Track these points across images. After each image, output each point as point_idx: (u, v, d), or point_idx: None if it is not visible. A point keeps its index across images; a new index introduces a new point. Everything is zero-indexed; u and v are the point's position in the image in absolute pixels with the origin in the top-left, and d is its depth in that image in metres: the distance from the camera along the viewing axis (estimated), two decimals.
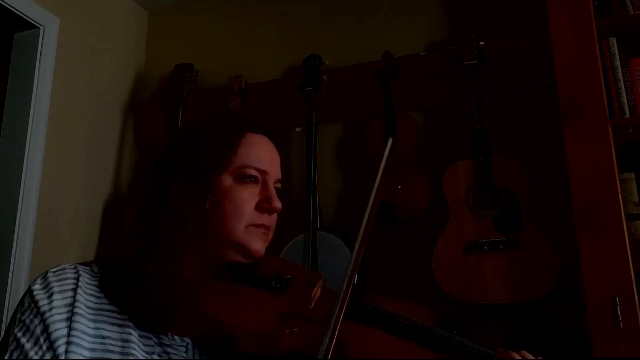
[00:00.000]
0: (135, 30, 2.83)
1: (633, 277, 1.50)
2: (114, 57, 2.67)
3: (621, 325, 1.47)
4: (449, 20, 2.35)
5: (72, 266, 0.81)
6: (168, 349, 0.77)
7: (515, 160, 1.96)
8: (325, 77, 2.28)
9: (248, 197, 0.85)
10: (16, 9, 2.13)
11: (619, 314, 1.48)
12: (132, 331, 0.76)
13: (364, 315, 0.80)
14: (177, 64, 2.53)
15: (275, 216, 0.89)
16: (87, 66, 2.49)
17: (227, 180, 0.84)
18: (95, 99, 2.51)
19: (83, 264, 0.83)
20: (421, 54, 2.30)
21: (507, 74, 2.14)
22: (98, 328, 0.75)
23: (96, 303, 0.77)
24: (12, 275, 2.04)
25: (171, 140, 0.94)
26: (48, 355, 0.70)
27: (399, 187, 2.06)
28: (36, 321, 0.72)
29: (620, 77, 1.71)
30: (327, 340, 0.65)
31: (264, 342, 0.74)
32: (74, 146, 2.39)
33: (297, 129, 2.35)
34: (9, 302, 2.01)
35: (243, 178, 0.85)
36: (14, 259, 2.05)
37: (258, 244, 0.85)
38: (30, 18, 2.19)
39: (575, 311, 1.66)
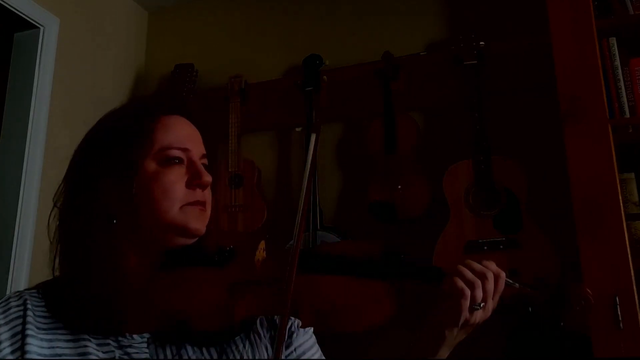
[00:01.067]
0: (135, 30, 2.83)
1: (633, 277, 1.50)
2: (114, 57, 2.67)
3: (621, 325, 1.47)
4: (449, 20, 2.35)
5: (16, 294, 0.80)
6: (128, 349, 0.76)
7: (515, 160, 1.95)
8: (325, 77, 2.29)
9: (176, 178, 0.83)
10: (16, 9, 2.13)
11: (619, 314, 1.48)
12: (88, 343, 0.75)
13: (314, 264, 0.81)
14: (177, 64, 2.53)
15: (209, 191, 0.87)
16: (87, 66, 2.49)
17: (151, 166, 0.83)
18: (95, 99, 2.51)
19: (29, 288, 0.82)
20: (421, 54, 2.30)
21: (507, 73, 2.14)
22: (53, 347, 0.74)
23: (47, 323, 0.77)
24: (12, 275, 2.04)
25: (85, 137, 0.91)
26: None
27: (399, 187, 2.06)
28: None
29: (620, 77, 1.71)
30: (285, 298, 0.67)
31: (218, 318, 0.75)
32: (74, 146, 2.37)
33: (297, 129, 2.35)
34: None
35: (166, 160, 0.83)
36: (14, 259, 2.05)
37: (197, 222, 0.83)
38: (30, 18, 2.20)
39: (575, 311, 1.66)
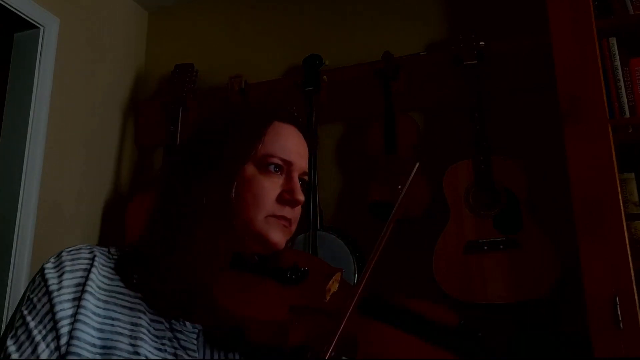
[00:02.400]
0: (135, 30, 2.84)
1: (633, 277, 1.50)
2: (114, 57, 2.67)
3: (621, 325, 1.47)
4: (449, 20, 2.35)
5: (89, 247, 0.80)
6: (178, 335, 0.76)
7: (515, 160, 1.96)
8: (325, 77, 2.29)
9: (270, 187, 0.83)
10: (16, 9, 2.13)
11: (619, 314, 1.48)
12: (142, 315, 0.75)
13: (384, 312, 0.77)
14: (177, 64, 2.53)
15: (298, 209, 0.86)
16: (87, 66, 2.49)
17: (250, 169, 0.83)
18: (95, 99, 2.51)
19: (105, 247, 0.82)
20: (421, 54, 2.30)
21: (507, 73, 2.14)
22: (108, 309, 0.74)
23: (109, 285, 0.76)
24: (12, 275, 2.04)
25: (198, 128, 0.91)
26: (51, 336, 0.70)
27: (399, 187, 2.06)
28: (44, 300, 0.72)
29: (620, 77, 1.71)
30: (334, 334, 0.63)
31: (273, 333, 0.72)
32: (74, 146, 2.39)
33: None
34: (9, 302, 2.01)
35: (266, 167, 0.83)
36: (14, 259, 2.06)
37: (277, 236, 0.83)
38: (30, 18, 2.20)
39: (575, 311, 1.66)
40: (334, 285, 0.81)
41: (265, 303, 0.76)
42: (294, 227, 0.87)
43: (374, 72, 2.25)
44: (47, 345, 0.69)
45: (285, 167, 0.85)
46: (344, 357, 0.78)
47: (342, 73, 2.36)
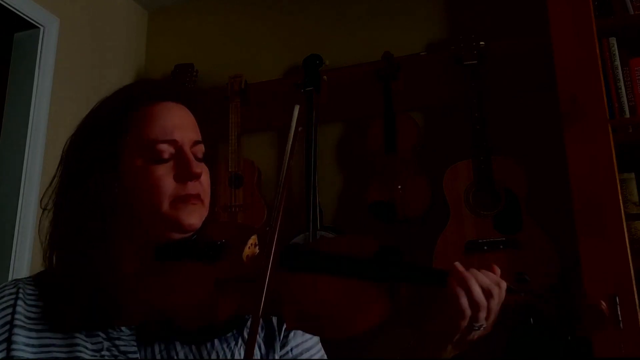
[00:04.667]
0: (136, 30, 2.83)
1: (633, 277, 1.50)
2: (114, 57, 2.67)
3: (621, 325, 1.47)
4: (449, 20, 2.35)
5: (12, 282, 0.80)
6: (116, 341, 0.75)
7: (515, 160, 1.95)
8: (325, 77, 2.29)
9: (163, 172, 0.79)
10: (16, 9, 2.13)
11: (619, 314, 1.48)
12: (77, 334, 0.74)
13: (300, 261, 0.76)
14: (177, 64, 2.53)
15: (205, 181, 0.83)
16: (87, 66, 2.49)
17: (138, 160, 0.79)
18: (95, 99, 2.50)
19: (27, 277, 0.82)
20: (421, 54, 2.30)
21: (507, 74, 2.14)
22: (41, 337, 0.73)
23: (38, 313, 0.76)
24: (12, 275, 2.04)
25: (76, 129, 0.87)
26: None
27: (399, 187, 2.06)
28: None
29: (620, 77, 1.71)
30: (258, 296, 0.63)
31: (201, 314, 0.72)
32: None
33: (298, 129, 2.35)
34: None
35: (153, 154, 0.79)
36: (14, 259, 2.05)
37: (190, 217, 0.79)
38: (30, 18, 2.20)
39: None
40: (251, 250, 0.80)
41: (187, 287, 0.76)
42: (206, 201, 0.83)
43: (374, 72, 2.26)
44: None
45: (173, 146, 0.80)
46: (273, 317, 0.81)
47: (342, 73, 2.36)
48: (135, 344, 0.76)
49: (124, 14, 2.76)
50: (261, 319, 0.77)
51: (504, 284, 0.76)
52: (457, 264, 0.75)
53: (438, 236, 1.94)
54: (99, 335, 0.75)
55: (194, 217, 0.80)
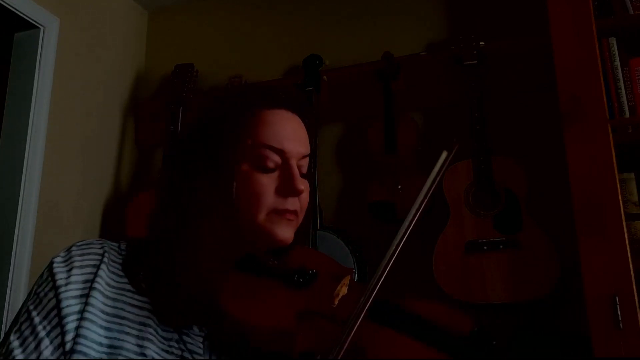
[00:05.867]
0: (135, 30, 2.83)
1: (633, 277, 1.50)
2: (114, 57, 2.67)
3: (621, 325, 1.47)
4: (449, 20, 2.35)
5: (99, 242, 0.78)
6: (185, 337, 0.74)
7: (516, 160, 1.95)
8: (325, 77, 2.29)
9: (267, 181, 0.77)
10: (16, 9, 2.13)
11: (619, 314, 1.48)
12: (151, 315, 0.73)
13: (394, 318, 0.72)
14: (177, 64, 2.53)
15: (304, 198, 0.81)
16: (87, 66, 2.49)
17: (245, 166, 0.78)
18: (95, 99, 2.51)
19: (112, 241, 0.81)
20: (421, 54, 2.30)
21: (507, 73, 2.14)
22: (116, 307, 0.72)
23: (118, 282, 0.75)
24: (12, 275, 2.04)
25: (191, 126, 0.87)
26: (55, 332, 0.68)
27: (399, 187, 2.06)
28: (50, 295, 0.70)
29: (620, 77, 1.71)
30: (341, 343, 0.60)
31: (278, 340, 0.68)
32: (74, 146, 2.39)
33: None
34: (9, 302, 2.01)
35: (261, 162, 0.78)
36: (14, 258, 2.05)
37: (284, 232, 0.78)
38: (30, 18, 2.20)
39: (575, 311, 1.66)
40: (343, 289, 0.77)
41: (271, 308, 0.73)
42: (301, 217, 0.82)
43: (374, 72, 2.26)
44: (51, 342, 0.67)
45: (281, 157, 0.79)
46: None
47: (342, 73, 2.36)
48: (201, 345, 0.74)
49: (123, 14, 2.76)
50: None
51: None
52: None
53: (438, 236, 1.94)
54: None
55: (288, 232, 0.79)
